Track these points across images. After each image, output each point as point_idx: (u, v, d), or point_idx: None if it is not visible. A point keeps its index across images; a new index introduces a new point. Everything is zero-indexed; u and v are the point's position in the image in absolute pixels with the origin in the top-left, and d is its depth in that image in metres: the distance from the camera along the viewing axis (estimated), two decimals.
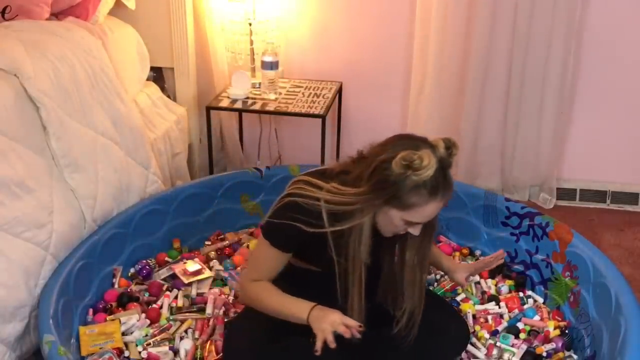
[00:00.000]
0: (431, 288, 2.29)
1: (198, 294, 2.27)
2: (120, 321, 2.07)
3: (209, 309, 2.16)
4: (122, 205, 2.39)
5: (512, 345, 2.05)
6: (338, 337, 2.06)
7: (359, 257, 1.75)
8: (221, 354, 1.95)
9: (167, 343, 2.04)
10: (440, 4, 2.81)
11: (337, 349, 1.89)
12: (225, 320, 2.13)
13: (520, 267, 2.40)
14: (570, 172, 3.12)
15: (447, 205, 2.48)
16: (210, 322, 2.12)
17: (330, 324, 1.74)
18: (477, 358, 2.02)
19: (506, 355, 2.02)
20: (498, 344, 2.06)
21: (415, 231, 1.76)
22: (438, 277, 2.36)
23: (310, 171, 1.87)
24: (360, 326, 1.74)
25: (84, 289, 2.13)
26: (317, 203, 1.75)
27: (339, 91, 3.07)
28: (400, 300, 1.88)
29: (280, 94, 2.93)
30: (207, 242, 2.57)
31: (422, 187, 1.64)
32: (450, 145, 1.69)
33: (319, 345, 1.73)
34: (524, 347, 2.03)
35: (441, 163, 1.66)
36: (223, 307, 2.18)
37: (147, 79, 2.99)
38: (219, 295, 2.24)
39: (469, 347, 2.03)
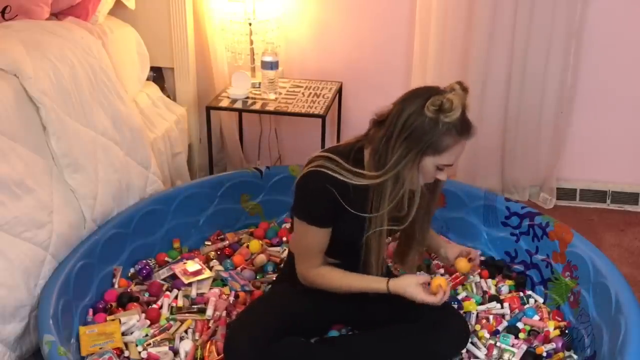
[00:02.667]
0: None
1: (198, 294, 2.27)
2: (120, 321, 2.07)
3: (209, 311, 2.16)
4: (122, 205, 2.39)
5: (512, 345, 2.05)
6: (331, 338, 2.07)
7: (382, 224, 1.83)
8: (222, 355, 1.95)
9: (167, 343, 2.04)
10: (440, 4, 2.81)
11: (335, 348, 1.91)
12: (228, 321, 2.12)
13: (520, 267, 2.40)
14: (570, 172, 3.11)
15: (446, 204, 2.52)
16: (211, 324, 2.12)
17: (410, 294, 1.86)
18: (477, 358, 2.02)
19: (506, 355, 2.02)
20: (498, 343, 2.06)
21: (443, 176, 1.83)
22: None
23: (323, 152, 1.90)
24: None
25: (84, 289, 2.13)
26: (342, 174, 1.80)
27: (339, 91, 3.07)
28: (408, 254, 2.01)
29: (280, 94, 2.93)
30: (207, 242, 2.57)
31: (453, 127, 1.73)
32: (465, 87, 1.78)
33: (430, 299, 1.86)
34: (524, 347, 2.03)
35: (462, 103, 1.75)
36: (225, 310, 2.17)
37: (147, 79, 2.99)
38: (219, 295, 2.24)
39: (469, 347, 2.03)
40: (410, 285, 1.86)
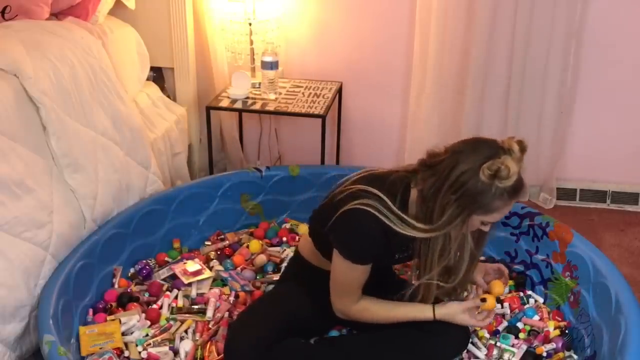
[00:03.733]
0: None
1: (198, 294, 2.27)
2: (120, 321, 2.07)
3: (209, 313, 2.15)
4: (122, 205, 2.39)
5: (512, 345, 2.05)
6: (331, 338, 2.07)
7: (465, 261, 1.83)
8: (222, 355, 1.95)
9: (167, 343, 2.04)
10: (440, 4, 2.81)
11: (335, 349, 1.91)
12: (229, 321, 2.12)
13: (520, 267, 2.40)
14: (570, 172, 3.11)
15: None
16: (211, 325, 2.12)
17: (461, 321, 1.90)
18: (477, 358, 2.02)
19: (506, 356, 2.02)
20: (498, 343, 2.06)
21: (486, 228, 1.83)
22: None
23: (367, 178, 1.86)
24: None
25: (84, 289, 2.13)
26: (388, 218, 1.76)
27: (339, 91, 3.07)
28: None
29: (280, 94, 2.93)
30: (207, 242, 2.57)
31: (505, 192, 1.70)
32: (524, 148, 1.76)
33: (481, 323, 1.93)
34: (524, 347, 2.03)
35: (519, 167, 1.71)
36: (227, 312, 2.17)
37: (147, 79, 2.99)
38: (220, 295, 2.24)
39: (470, 347, 2.03)
40: (457, 314, 1.88)
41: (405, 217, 1.76)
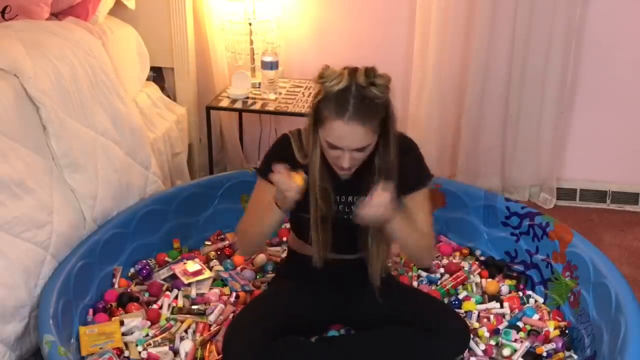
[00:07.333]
0: (433, 288, 2.29)
1: (198, 294, 2.27)
2: (123, 322, 2.07)
3: (212, 317, 2.14)
4: (122, 205, 2.39)
5: (514, 341, 2.05)
6: (330, 338, 2.07)
7: (313, 192, 1.84)
8: (222, 355, 1.95)
9: (167, 343, 2.04)
10: (440, 4, 2.81)
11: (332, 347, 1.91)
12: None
13: (520, 267, 2.40)
14: (570, 172, 3.11)
15: (446, 204, 2.52)
16: (213, 327, 2.12)
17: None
18: (476, 355, 2.02)
19: (505, 351, 2.01)
20: (500, 339, 2.06)
21: (342, 162, 1.78)
22: (439, 276, 2.36)
23: None
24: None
25: (84, 289, 2.13)
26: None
27: None
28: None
29: (280, 94, 2.93)
30: (207, 242, 2.56)
31: (331, 100, 1.72)
32: (370, 74, 1.73)
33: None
34: (527, 344, 2.03)
35: (356, 86, 1.72)
36: (231, 315, 2.17)
37: (147, 79, 2.99)
38: (220, 296, 2.24)
39: (470, 344, 2.02)
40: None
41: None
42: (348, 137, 1.74)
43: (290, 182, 1.75)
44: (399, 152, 1.87)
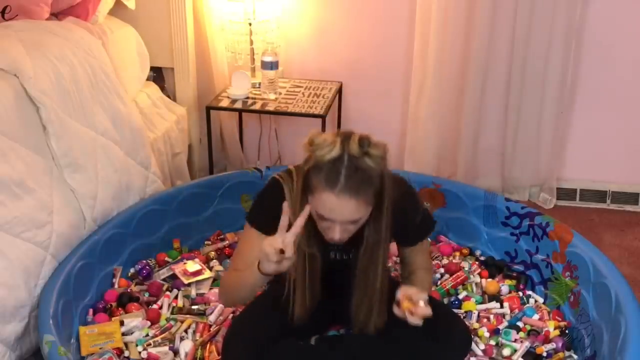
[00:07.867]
0: (433, 288, 2.28)
1: (198, 294, 2.27)
2: (123, 322, 2.07)
3: (212, 317, 2.14)
4: (122, 205, 2.39)
5: (514, 341, 2.05)
6: (330, 338, 2.06)
7: (300, 246, 1.74)
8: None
9: (167, 343, 2.04)
10: (440, 4, 2.81)
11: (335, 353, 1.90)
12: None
13: (520, 267, 2.40)
14: (570, 172, 3.11)
15: (446, 204, 2.52)
16: (213, 328, 2.12)
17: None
18: (476, 355, 2.02)
19: (505, 351, 2.01)
20: (500, 339, 2.06)
21: (333, 234, 1.67)
22: (438, 276, 2.36)
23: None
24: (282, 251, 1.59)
25: (84, 289, 2.13)
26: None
27: (339, 91, 3.07)
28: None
29: (280, 94, 2.93)
30: (207, 242, 2.57)
31: (322, 170, 1.60)
32: (364, 144, 1.60)
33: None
34: (527, 344, 2.03)
35: (349, 156, 1.60)
36: (231, 315, 2.17)
37: (147, 79, 2.99)
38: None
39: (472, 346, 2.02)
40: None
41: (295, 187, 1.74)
42: (339, 210, 1.61)
43: (282, 256, 1.59)
44: (399, 211, 1.77)
